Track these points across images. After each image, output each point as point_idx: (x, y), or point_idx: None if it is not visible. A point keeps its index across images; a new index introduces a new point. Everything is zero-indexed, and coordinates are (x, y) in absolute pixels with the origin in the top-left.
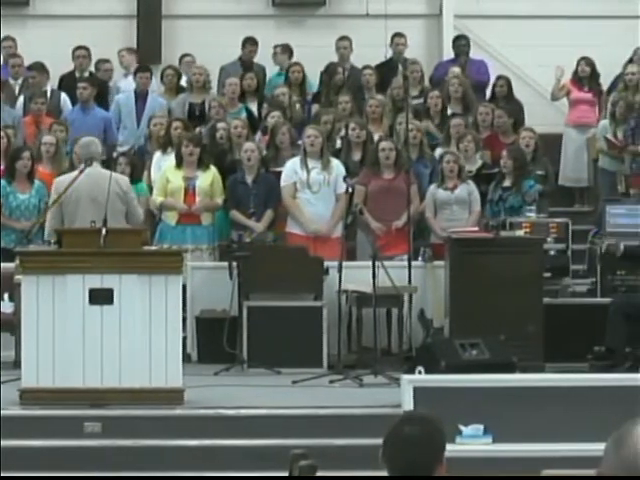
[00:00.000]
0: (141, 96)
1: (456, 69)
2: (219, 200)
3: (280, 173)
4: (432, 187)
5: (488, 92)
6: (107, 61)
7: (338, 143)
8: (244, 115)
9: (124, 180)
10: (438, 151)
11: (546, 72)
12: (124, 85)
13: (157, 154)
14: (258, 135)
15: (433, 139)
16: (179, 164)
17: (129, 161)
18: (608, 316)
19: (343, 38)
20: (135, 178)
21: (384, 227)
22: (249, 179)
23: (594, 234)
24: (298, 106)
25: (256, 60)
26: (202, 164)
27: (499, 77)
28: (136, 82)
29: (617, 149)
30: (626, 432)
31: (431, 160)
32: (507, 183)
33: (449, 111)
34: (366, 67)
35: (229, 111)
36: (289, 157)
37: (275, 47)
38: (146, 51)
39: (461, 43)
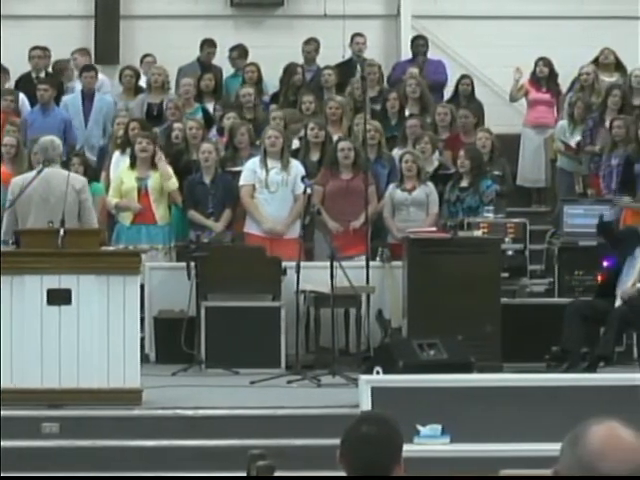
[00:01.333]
0: (88, 96)
1: (414, 70)
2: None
3: (238, 173)
4: (391, 187)
5: (446, 92)
6: (69, 61)
7: (295, 143)
8: (200, 115)
9: (79, 180)
10: (396, 151)
11: (504, 72)
12: (78, 86)
13: (116, 154)
14: (215, 136)
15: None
16: (133, 164)
17: (82, 161)
18: (565, 317)
19: (310, 40)
20: (89, 178)
21: (341, 227)
22: (207, 179)
23: (552, 234)
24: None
25: (214, 61)
26: (155, 164)
27: (463, 76)
28: (82, 82)
29: (572, 151)
30: (582, 432)
31: (389, 160)
32: (464, 183)
33: (407, 112)
34: (326, 67)
35: (185, 112)
36: (247, 157)
37: (231, 51)
38: (104, 51)
39: (419, 43)
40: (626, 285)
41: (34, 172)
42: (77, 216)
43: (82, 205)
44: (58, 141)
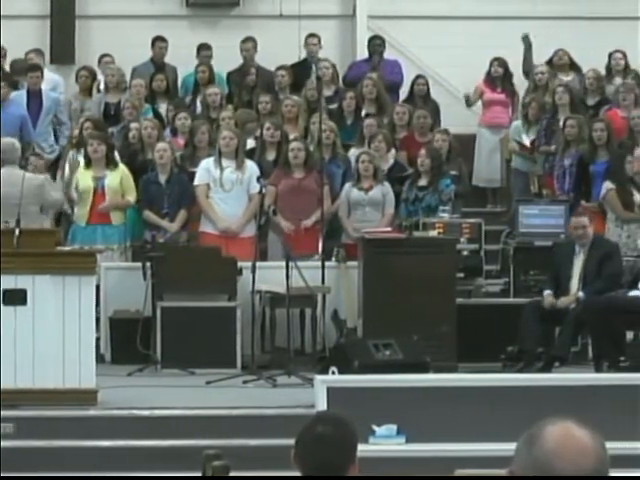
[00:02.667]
0: (34, 95)
1: (373, 74)
2: (130, 198)
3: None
4: (347, 186)
5: (402, 93)
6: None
7: (250, 143)
8: (150, 115)
9: (38, 178)
10: (352, 151)
11: (459, 73)
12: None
13: (71, 153)
14: (168, 136)
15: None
16: (88, 164)
17: (39, 160)
18: (522, 316)
19: (247, 39)
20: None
21: (293, 226)
22: (162, 179)
23: (507, 234)
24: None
25: (169, 60)
26: (110, 163)
27: (418, 76)
28: (27, 82)
29: (527, 151)
30: (537, 432)
31: (344, 160)
32: (423, 182)
33: (363, 112)
34: (280, 67)
35: (140, 110)
36: (206, 157)
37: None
38: (60, 51)
39: (376, 43)
40: (573, 288)
41: None
42: (37, 215)
43: (46, 194)
44: (18, 144)
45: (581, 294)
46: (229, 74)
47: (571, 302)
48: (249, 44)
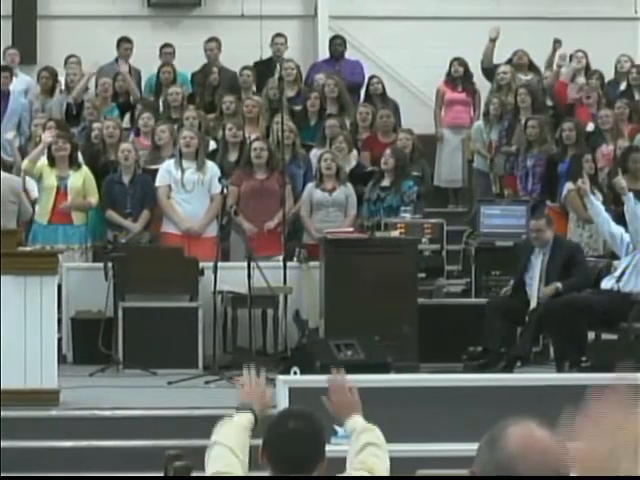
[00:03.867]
0: (3, 96)
1: (335, 75)
2: (92, 200)
3: (157, 172)
4: (309, 186)
5: (361, 93)
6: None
7: (212, 144)
8: (116, 114)
9: (13, 179)
10: (314, 152)
11: (420, 73)
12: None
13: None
14: (131, 135)
15: None
16: (52, 163)
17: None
18: (485, 316)
19: (211, 39)
20: None
21: (255, 228)
22: (126, 179)
23: (469, 235)
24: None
25: (132, 61)
26: (74, 164)
27: (372, 77)
28: None
29: (494, 150)
30: (499, 433)
31: (304, 161)
32: (386, 183)
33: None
34: (245, 67)
35: (102, 110)
36: (170, 157)
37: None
38: (22, 52)
39: (337, 43)
40: (533, 288)
41: None
42: (12, 215)
43: (21, 202)
44: None
45: (559, 285)
46: (193, 74)
47: (552, 291)
48: (213, 44)
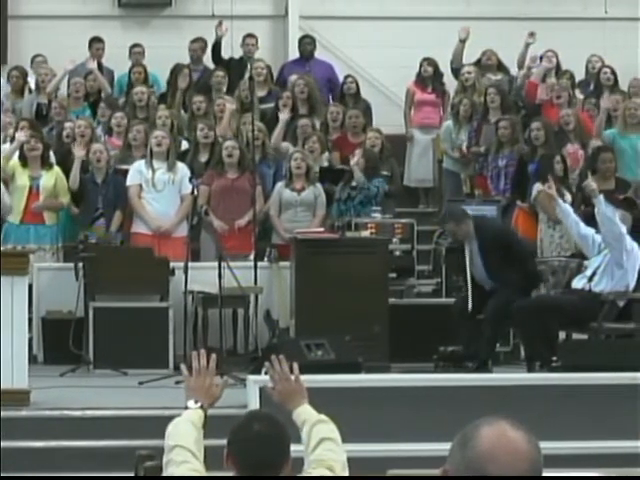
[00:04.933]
0: None
1: (305, 76)
2: (64, 200)
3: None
4: (279, 186)
5: (333, 93)
6: None
7: (185, 144)
8: (88, 113)
9: None
10: (284, 145)
11: (390, 73)
12: None
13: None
14: (102, 135)
15: None
16: (24, 163)
17: None
18: (452, 318)
19: (197, 40)
20: None
21: (226, 226)
22: (98, 179)
23: (439, 235)
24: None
25: (103, 61)
26: (45, 164)
27: (347, 76)
28: None
29: (465, 155)
30: (471, 432)
31: (274, 161)
32: (355, 182)
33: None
34: (217, 68)
35: (72, 110)
36: (141, 157)
37: (131, 48)
38: None
39: (306, 42)
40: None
41: None
42: None
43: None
44: None
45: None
46: (171, 72)
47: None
48: (198, 44)
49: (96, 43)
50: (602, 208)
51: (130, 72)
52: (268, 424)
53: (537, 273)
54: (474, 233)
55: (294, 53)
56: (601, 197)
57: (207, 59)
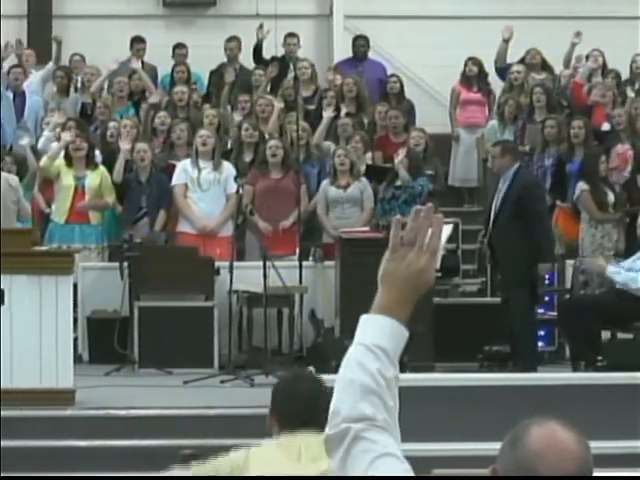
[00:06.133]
0: (18, 95)
1: (355, 75)
2: (109, 199)
3: (174, 170)
4: (324, 184)
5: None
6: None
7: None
8: (132, 113)
9: (13, 179)
10: (326, 144)
11: (435, 72)
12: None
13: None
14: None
15: None
16: (69, 163)
17: (14, 160)
18: (501, 316)
19: (232, 39)
20: (21, 176)
21: (270, 227)
22: (143, 178)
23: (484, 234)
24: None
25: (147, 59)
26: (91, 163)
27: (391, 75)
28: (8, 81)
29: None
30: (522, 432)
31: (318, 160)
32: (400, 182)
33: (344, 110)
34: (257, 67)
35: (116, 109)
36: (185, 157)
37: (174, 48)
38: (37, 51)
39: (360, 43)
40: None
41: None
42: (15, 214)
43: (20, 201)
44: None
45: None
46: (211, 73)
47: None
48: (233, 43)
49: (137, 43)
50: (618, 279)
51: (173, 71)
52: (313, 384)
53: (542, 245)
54: (511, 174)
55: (338, 52)
56: (610, 268)
57: (242, 58)
